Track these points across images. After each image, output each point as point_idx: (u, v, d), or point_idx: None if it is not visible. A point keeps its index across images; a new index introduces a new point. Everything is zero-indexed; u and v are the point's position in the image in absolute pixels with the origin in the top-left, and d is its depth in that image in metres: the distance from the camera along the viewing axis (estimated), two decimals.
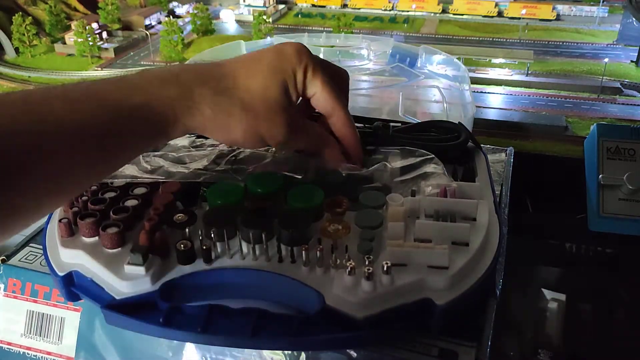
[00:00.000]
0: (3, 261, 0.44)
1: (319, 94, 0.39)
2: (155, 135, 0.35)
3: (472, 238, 0.36)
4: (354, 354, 0.35)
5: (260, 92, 0.36)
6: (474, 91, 0.75)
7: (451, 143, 0.47)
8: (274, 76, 0.37)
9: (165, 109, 0.34)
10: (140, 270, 0.35)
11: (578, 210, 0.55)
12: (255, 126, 0.37)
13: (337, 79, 0.41)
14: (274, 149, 0.43)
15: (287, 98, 0.37)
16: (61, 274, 0.37)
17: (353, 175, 0.43)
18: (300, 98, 0.39)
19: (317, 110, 0.41)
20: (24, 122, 0.29)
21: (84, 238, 0.38)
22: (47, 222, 0.41)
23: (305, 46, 0.38)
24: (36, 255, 0.44)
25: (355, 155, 0.42)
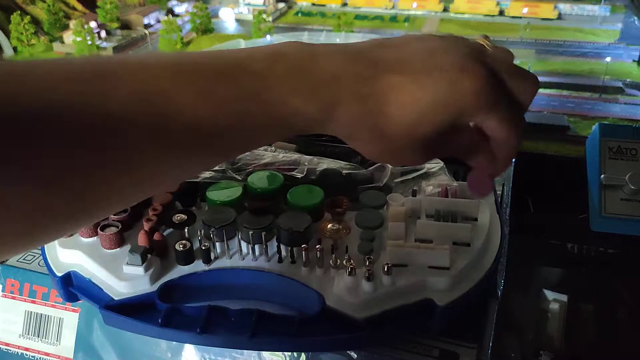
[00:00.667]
0: (1, 261, 0.44)
1: (493, 132, 0.29)
2: (278, 131, 0.26)
3: (473, 238, 0.35)
4: (354, 355, 0.35)
5: (410, 126, 0.26)
6: None
7: None
8: (436, 118, 0.26)
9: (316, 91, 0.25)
10: (139, 270, 0.35)
11: (580, 210, 0.55)
12: (384, 151, 0.27)
13: (522, 97, 0.30)
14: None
15: (438, 137, 0.27)
16: (59, 274, 0.37)
17: (353, 175, 0.43)
18: None
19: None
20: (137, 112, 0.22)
21: (82, 238, 0.38)
22: None
23: (488, 79, 0.26)
24: (34, 256, 0.44)
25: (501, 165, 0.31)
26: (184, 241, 0.36)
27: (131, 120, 0.22)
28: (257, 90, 0.25)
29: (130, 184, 0.23)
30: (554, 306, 0.52)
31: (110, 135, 0.22)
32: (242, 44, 0.82)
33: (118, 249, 0.37)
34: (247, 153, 0.44)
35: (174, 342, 0.39)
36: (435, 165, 0.43)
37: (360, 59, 0.26)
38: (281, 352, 0.37)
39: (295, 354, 0.37)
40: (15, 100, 0.20)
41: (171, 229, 0.39)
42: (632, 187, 0.52)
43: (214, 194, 0.40)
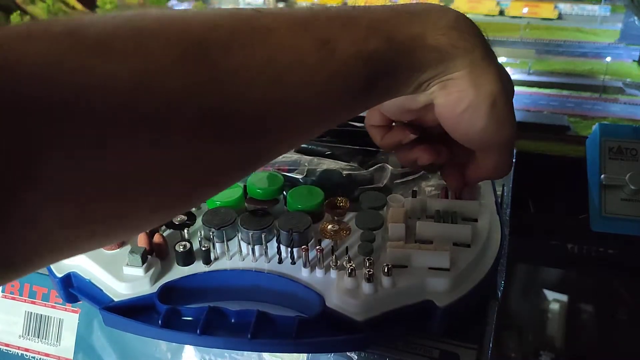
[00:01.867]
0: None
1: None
2: (411, 78, 0.28)
3: (473, 239, 0.35)
4: (354, 356, 0.35)
5: (503, 69, 0.31)
6: None
7: None
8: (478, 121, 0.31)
9: (441, 40, 0.28)
10: (139, 271, 0.35)
11: (580, 210, 0.55)
12: (507, 95, 0.31)
13: None
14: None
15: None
16: (59, 275, 0.37)
17: (353, 176, 0.43)
18: None
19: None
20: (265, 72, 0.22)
21: None
22: None
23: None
24: None
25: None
26: (184, 242, 0.36)
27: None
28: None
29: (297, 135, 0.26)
30: (554, 306, 0.52)
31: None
32: None
33: (118, 250, 0.37)
34: None
35: (174, 343, 0.39)
36: None
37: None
38: (281, 354, 0.37)
39: (295, 355, 0.37)
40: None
41: (171, 230, 0.39)
42: (632, 187, 0.51)
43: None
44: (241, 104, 0.21)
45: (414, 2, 0.32)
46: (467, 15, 0.31)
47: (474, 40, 0.29)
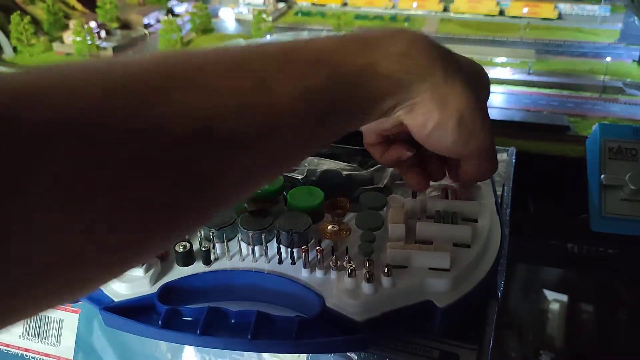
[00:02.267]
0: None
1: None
2: (368, 108, 0.28)
3: (473, 239, 0.35)
4: (354, 356, 0.35)
5: (476, 76, 0.32)
6: None
7: None
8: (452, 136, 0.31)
9: (394, 68, 0.27)
10: (139, 272, 0.35)
11: (580, 210, 0.55)
12: (476, 107, 0.30)
13: None
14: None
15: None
16: None
17: (353, 176, 0.43)
18: None
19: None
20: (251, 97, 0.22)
21: None
22: None
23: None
24: None
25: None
26: (184, 242, 0.36)
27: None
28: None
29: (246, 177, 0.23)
30: (554, 306, 0.52)
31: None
32: (242, 43, 0.82)
33: None
34: None
35: (174, 344, 0.39)
36: None
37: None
38: (281, 354, 0.37)
39: (295, 355, 0.37)
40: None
41: None
42: (632, 187, 0.51)
43: None
44: (181, 151, 0.20)
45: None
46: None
47: (431, 63, 0.29)
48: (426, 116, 0.30)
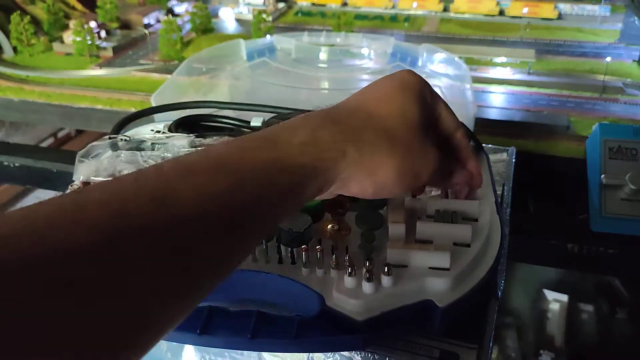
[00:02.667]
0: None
1: (444, 113, 0.35)
2: (290, 198, 0.27)
3: (473, 239, 0.35)
4: (354, 356, 0.35)
5: (399, 116, 0.31)
6: (475, 90, 0.75)
7: None
8: (408, 95, 0.32)
9: (301, 159, 0.27)
10: None
11: (580, 210, 0.55)
12: (408, 156, 0.31)
13: None
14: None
15: (426, 118, 0.32)
16: None
17: None
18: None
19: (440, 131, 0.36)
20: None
21: None
22: None
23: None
24: None
25: (478, 177, 0.38)
26: None
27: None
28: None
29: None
30: (554, 306, 0.52)
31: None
32: (242, 44, 0.82)
33: None
34: None
35: (174, 343, 0.39)
36: None
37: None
38: (281, 353, 0.37)
39: (295, 355, 0.37)
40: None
41: None
42: (632, 187, 0.51)
43: None
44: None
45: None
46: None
47: (339, 146, 0.28)
48: (362, 185, 0.30)
